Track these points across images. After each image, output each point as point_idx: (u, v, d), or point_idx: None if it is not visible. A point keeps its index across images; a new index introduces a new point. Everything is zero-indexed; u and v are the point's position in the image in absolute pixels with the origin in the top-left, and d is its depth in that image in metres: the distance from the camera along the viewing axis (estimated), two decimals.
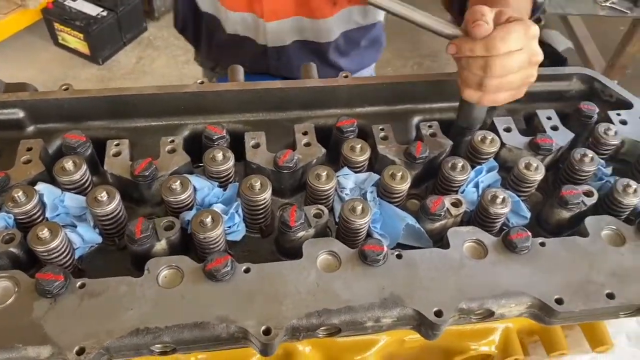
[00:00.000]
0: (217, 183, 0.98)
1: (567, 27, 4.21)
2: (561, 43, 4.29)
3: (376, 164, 1.07)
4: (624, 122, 1.12)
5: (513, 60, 0.92)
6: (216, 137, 1.03)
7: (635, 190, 0.98)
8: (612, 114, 1.13)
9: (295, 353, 1.06)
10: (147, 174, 0.96)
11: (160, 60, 4.17)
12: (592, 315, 0.89)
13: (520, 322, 1.13)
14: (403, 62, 4.27)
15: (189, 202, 0.94)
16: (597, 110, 1.13)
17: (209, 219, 0.88)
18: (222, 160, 0.97)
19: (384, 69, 4.18)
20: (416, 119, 1.21)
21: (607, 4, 3.15)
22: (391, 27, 4.58)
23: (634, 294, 0.88)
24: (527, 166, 1.00)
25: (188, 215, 0.92)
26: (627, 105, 1.16)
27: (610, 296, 0.87)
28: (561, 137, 1.07)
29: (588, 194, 0.99)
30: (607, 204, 1.00)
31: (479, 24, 0.91)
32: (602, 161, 1.07)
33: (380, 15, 1.69)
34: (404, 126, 1.20)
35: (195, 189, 0.96)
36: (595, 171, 1.04)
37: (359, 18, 1.62)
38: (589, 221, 0.95)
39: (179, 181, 0.93)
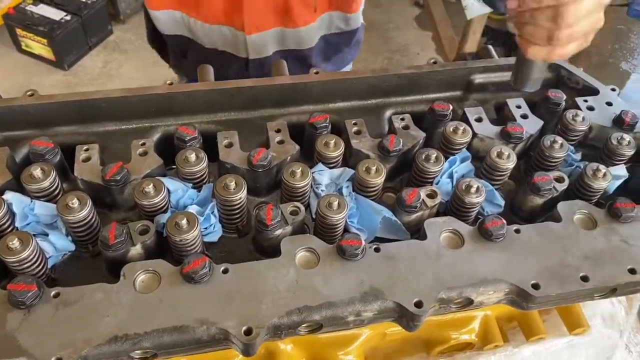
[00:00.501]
0: (191, 184, 0.97)
1: None
2: None
3: (350, 158, 1.07)
4: (590, 108, 1.14)
5: (585, 5, 0.86)
6: (188, 138, 1.01)
7: (604, 175, 1.00)
8: (579, 100, 1.15)
9: (277, 352, 1.06)
10: (118, 178, 0.94)
11: (128, 64, 4.10)
12: (568, 299, 0.91)
13: (499, 309, 1.14)
14: (374, 58, 4.29)
15: (163, 204, 0.93)
16: (565, 97, 1.15)
17: (184, 221, 0.87)
18: (195, 161, 0.96)
19: (356, 64, 4.18)
20: (388, 113, 1.22)
21: None
22: (365, 22, 4.59)
23: (607, 275, 0.90)
24: (499, 155, 1.01)
25: (163, 218, 0.91)
26: (594, 92, 1.18)
27: (585, 279, 0.89)
28: (531, 125, 1.09)
29: (559, 179, 1.01)
30: (578, 189, 1.02)
31: None
32: (572, 147, 1.09)
33: (362, 18, 1.68)
34: (377, 120, 1.21)
35: (169, 192, 0.95)
36: (565, 157, 1.06)
37: (340, 23, 1.60)
38: (561, 207, 0.97)
39: (152, 184, 0.92)
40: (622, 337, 1.24)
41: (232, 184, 0.92)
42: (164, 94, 1.09)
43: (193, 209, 0.94)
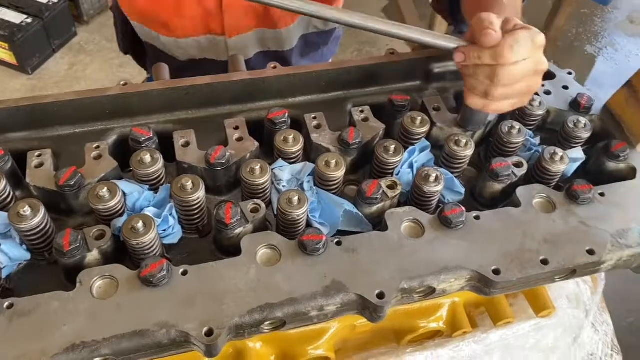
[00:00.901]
0: (147, 186, 0.95)
1: None
2: None
3: (311, 153, 1.06)
4: (548, 93, 1.15)
5: (520, 70, 0.91)
6: (143, 139, 1.00)
7: (561, 158, 1.01)
8: None
9: (246, 350, 1.05)
10: (72, 183, 0.92)
11: (94, 66, 4.03)
12: (529, 282, 0.92)
13: (467, 296, 1.15)
14: (342, 51, 4.28)
15: (118, 208, 0.91)
16: None
17: (140, 224, 0.85)
18: (151, 162, 0.95)
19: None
20: (349, 105, 1.21)
21: None
22: None
23: (566, 257, 0.91)
24: (457, 143, 1.01)
25: (119, 222, 0.89)
26: (550, 76, 1.19)
27: (545, 262, 0.90)
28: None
29: (518, 164, 1.02)
30: (537, 173, 1.03)
31: (488, 33, 0.89)
32: (530, 132, 1.10)
33: None
34: (338, 113, 1.20)
35: (125, 195, 0.93)
36: (523, 142, 1.07)
37: (318, 23, 1.59)
38: (520, 191, 0.98)
39: (106, 188, 0.90)
40: (589, 317, 1.26)
41: (189, 184, 0.91)
42: (118, 94, 1.07)
43: (150, 211, 0.92)
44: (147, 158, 0.95)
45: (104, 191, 0.89)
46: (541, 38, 0.91)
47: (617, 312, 3.07)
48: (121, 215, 0.92)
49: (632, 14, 4.99)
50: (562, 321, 1.20)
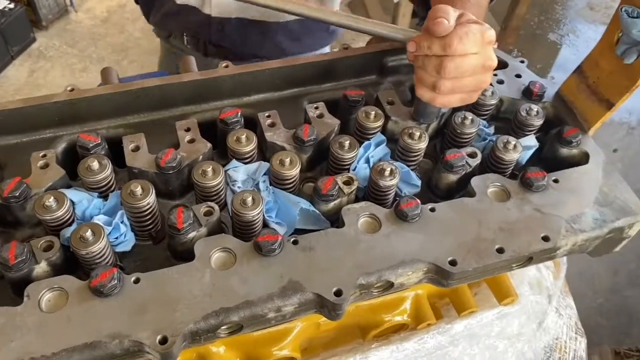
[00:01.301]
0: (96, 194, 0.93)
1: None
2: None
3: (267, 152, 1.05)
4: (500, 82, 1.16)
5: (467, 63, 0.91)
6: (91, 145, 0.97)
7: (514, 146, 1.02)
8: None
9: (209, 355, 1.03)
10: (17, 194, 0.89)
11: (55, 71, 3.94)
12: (486, 272, 0.92)
13: (430, 288, 1.15)
14: None
15: (67, 218, 0.88)
16: None
17: (88, 233, 0.83)
18: (99, 168, 0.92)
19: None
20: (305, 102, 1.20)
21: None
22: None
23: (522, 245, 0.92)
24: (411, 136, 1.01)
25: (68, 232, 0.87)
26: (503, 65, 1.20)
27: (500, 250, 0.90)
28: None
29: (472, 155, 1.02)
30: (492, 163, 1.04)
31: (440, 21, 0.89)
32: (484, 121, 1.11)
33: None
34: (293, 111, 1.18)
35: (73, 203, 0.90)
36: (477, 132, 1.07)
37: (317, 5, 1.55)
38: (475, 181, 0.98)
39: (52, 197, 0.87)
40: (552, 302, 1.28)
41: (138, 190, 0.89)
42: (65, 101, 1.04)
43: (100, 219, 0.90)
44: (95, 165, 0.92)
45: (51, 201, 0.87)
46: (491, 34, 0.91)
47: (585, 295, 3.14)
48: (70, 224, 0.89)
49: (592, 1, 5.08)
50: (525, 308, 1.21)
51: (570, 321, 1.35)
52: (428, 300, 1.16)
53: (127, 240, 0.92)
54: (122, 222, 0.91)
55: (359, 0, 4.34)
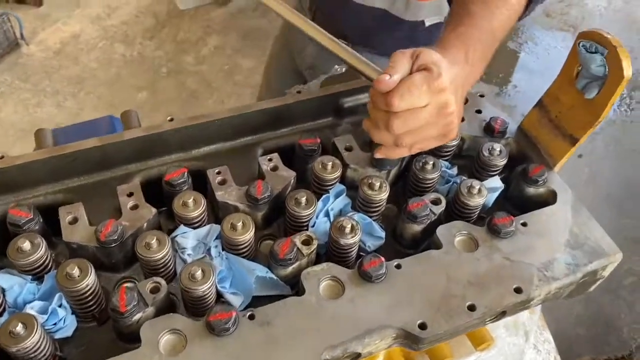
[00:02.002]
0: (29, 277, 0.84)
1: None
2: None
3: (219, 212, 0.98)
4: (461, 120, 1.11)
5: (416, 117, 0.85)
6: (23, 221, 0.88)
7: (479, 190, 0.97)
8: None
9: None
10: None
11: (8, 108, 3.78)
12: (458, 331, 0.86)
13: None
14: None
15: None
16: None
17: (19, 327, 0.74)
18: (31, 249, 0.84)
19: (251, 77, 4.10)
20: (260, 150, 1.14)
21: None
22: (257, 33, 4.46)
23: (493, 300, 0.86)
24: (371, 186, 0.95)
25: None
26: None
27: (472, 308, 0.85)
28: None
29: (435, 202, 0.97)
30: (457, 208, 0.99)
31: (379, 80, 0.84)
32: (446, 163, 1.06)
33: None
34: (248, 161, 1.12)
35: (3, 290, 0.82)
36: (440, 175, 1.02)
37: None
38: (441, 231, 0.93)
39: None
40: (529, 339, 1.23)
41: (75, 272, 0.81)
42: None
43: (34, 306, 0.81)
44: (27, 245, 0.84)
45: None
46: (440, 82, 0.84)
47: (562, 306, 3.12)
48: (0, 315, 0.81)
49: (548, 8, 5.15)
50: (502, 351, 1.16)
51: (549, 356, 1.30)
52: (402, 352, 1.10)
53: (68, 325, 0.83)
54: (60, 306, 0.82)
55: None
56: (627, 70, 0.88)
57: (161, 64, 4.15)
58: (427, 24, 1.56)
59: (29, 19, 4.32)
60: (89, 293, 0.83)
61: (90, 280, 0.82)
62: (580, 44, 0.93)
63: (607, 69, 0.91)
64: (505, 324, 1.17)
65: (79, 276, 0.81)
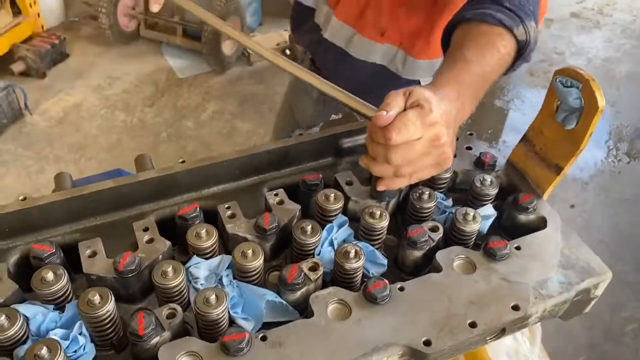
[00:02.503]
0: (52, 306, 0.89)
1: None
2: None
3: (229, 244, 1.03)
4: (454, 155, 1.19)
5: (412, 149, 0.93)
6: (45, 255, 0.94)
7: (474, 217, 1.03)
8: None
9: None
10: None
11: (11, 175, 3.87)
12: (461, 348, 0.90)
13: None
14: (267, 130, 4.35)
15: (20, 336, 0.83)
16: None
17: (44, 351, 0.78)
18: (54, 279, 0.88)
19: (250, 139, 4.22)
20: (265, 189, 1.20)
21: None
22: (254, 98, 4.62)
23: (493, 317, 0.91)
24: (372, 215, 1.01)
25: (22, 351, 0.81)
26: None
27: (473, 325, 0.89)
28: None
29: (434, 229, 1.03)
30: (454, 235, 1.05)
31: (378, 116, 0.92)
32: (441, 194, 1.12)
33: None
34: (254, 198, 1.18)
35: (27, 319, 0.86)
36: (436, 205, 1.09)
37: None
38: (440, 256, 0.98)
39: (4, 315, 0.82)
40: None
41: (96, 299, 0.85)
42: (17, 210, 1.01)
43: (57, 333, 0.85)
44: (50, 276, 0.88)
45: (2, 319, 0.82)
46: (432, 117, 0.92)
47: (566, 352, 3.11)
48: (24, 342, 0.84)
49: (531, 67, 5.40)
50: None
51: None
52: None
53: (87, 353, 0.87)
54: (80, 334, 0.86)
55: None
56: (601, 101, 0.97)
57: (161, 129, 4.28)
58: (422, 83, 1.68)
59: (33, 90, 4.49)
60: (108, 319, 0.87)
61: (110, 306, 0.86)
62: (557, 80, 1.02)
63: (582, 101, 0.99)
64: (507, 352, 1.20)
65: (99, 303, 0.85)
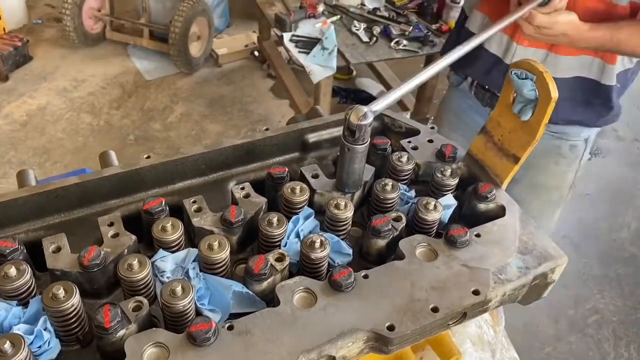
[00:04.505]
0: (15, 302, 0.88)
1: (376, 74, 4.62)
2: (374, 88, 4.69)
3: (195, 237, 1.04)
4: (415, 148, 1.22)
5: (547, 31, 1.59)
6: (8, 251, 0.93)
7: (435, 206, 1.06)
8: (404, 142, 1.23)
9: None
10: None
11: None
12: (424, 332, 0.93)
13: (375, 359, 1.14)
14: (236, 131, 4.34)
15: None
16: (390, 142, 1.22)
17: (7, 346, 0.77)
18: (17, 275, 0.88)
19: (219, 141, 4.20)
20: (232, 184, 1.21)
21: (400, 47, 3.51)
22: (223, 100, 4.60)
23: (454, 301, 0.94)
24: (337, 206, 1.03)
25: None
26: (415, 132, 1.27)
27: (435, 309, 0.92)
28: (364, 173, 1.13)
29: (397, 219, 1.05)
30: (416, 224, 1.07)
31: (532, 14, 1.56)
32: (404, 186, 1.15)
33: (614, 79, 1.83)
34: (221, 194, 1.19)
35: None
36: (400, 196, 1.11)
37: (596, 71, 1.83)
38: (403, 244, 1.01)
39: None
40: (495, 356, 1.29)
41: (61, 292, 0.85)
42: None
43: (20, 328, 0.84)
44: (13, 271, 0.88)
45: None
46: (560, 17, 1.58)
47: (533, 346, 3.18)
48: None
49: None
50: None
51: None
52: None
53: (52, 348, 0.86)
54: (45, 329, 0.85)
55: (282, 87, 4.51)
56: (554, 92, 1.01)
57: (128, 131, 4.23)
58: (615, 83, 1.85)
59: None
60: (73, 314, 0.86)
61: (75, 300, 0.86)
62: (513, 72, 1.06)
63: (537, 92, 1.03)
64: (471, 339, 1.24)
65: (64, 297, 0.85)
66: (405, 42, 3.52)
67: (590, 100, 1.85)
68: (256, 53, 5.04)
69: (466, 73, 2.05)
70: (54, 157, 3.97)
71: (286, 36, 3.53)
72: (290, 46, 3.46)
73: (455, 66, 2.05)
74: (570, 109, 1.84)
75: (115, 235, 0.98)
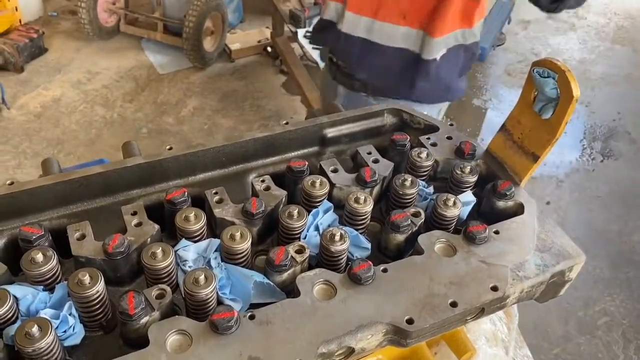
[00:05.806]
0: (41, 287, 0.90)
1: None
2: None
3: (216, 228, 1.05)
4: (434, 144, 1.23)
5: None
6: (34, 237, 0.94)
7: (454, 203, 1.07)
8: (423, 139, 1.23)
9: None
10: None
11: None
12: (443, 327, 0.93)
13: (389, 353, 1.15)
14: (248, 126, 4.36)
15: (10, 315, 0.84)
16: (409, 138, 1.22)
17: (35, 329, 0.79)
18: (43, 260, 0.89)
19: (231, 135, 4.22)
20: (251, 177, 1.22)
21: None
22: (235, 95, 4.63)
23: (473, 297, 0.94)
24: (357, 200, 1.04)
25: (12, 330, 0.82)
26: (434, 129, 1.27)
27: (454, 304, 0.93)
28: (383, 168, 1.14)
29: (416, 214, 1.06)
30: (435, 220, 1.08)
31: None
32: (423, 182, 1.16)
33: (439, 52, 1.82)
34: (240, 186, 1.21)
35: (17, 299, 0.86)
36: (418, 192, 1.12)
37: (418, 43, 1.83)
38: (421, 239, 1.02)
39: None
40: (509, 353, 1.30)
41: (86, 279, 0.86)
42: (4, 195, 1.01)
43: (46, 313, 0.86)
44: (39, 257, 0.89)
45: None
46: None
47: (542, 347, 3.18)
48: (14, 322, 0.85)
49: (508, 68, 5.50)
50: None
51: None
52: None
53: (76, 333, 0.88)
54: (70, 314, 0.87)
55: (294, 83, 4.52)
56: (576, 91, 1.01)
57: (141, 125, 4.26)
58: (438, 58, 1.82)
59: (11, 85, 4.43)
60: (97, 300, 0.88)
61: (100, 286, 0.87)
62: (535, 71, 1.06)
63: (558, 91, 1.04)
64: (485, 335, 1.24)
65: (89, 283, 0.86)
66: None
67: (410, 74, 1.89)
68: (269, 49, 5.05)
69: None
70: (68, 148, 4.00)
71: (300, 32, 3.54)
72: (305, 42, 3.47)
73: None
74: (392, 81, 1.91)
75: (139, 224, 1.00)
